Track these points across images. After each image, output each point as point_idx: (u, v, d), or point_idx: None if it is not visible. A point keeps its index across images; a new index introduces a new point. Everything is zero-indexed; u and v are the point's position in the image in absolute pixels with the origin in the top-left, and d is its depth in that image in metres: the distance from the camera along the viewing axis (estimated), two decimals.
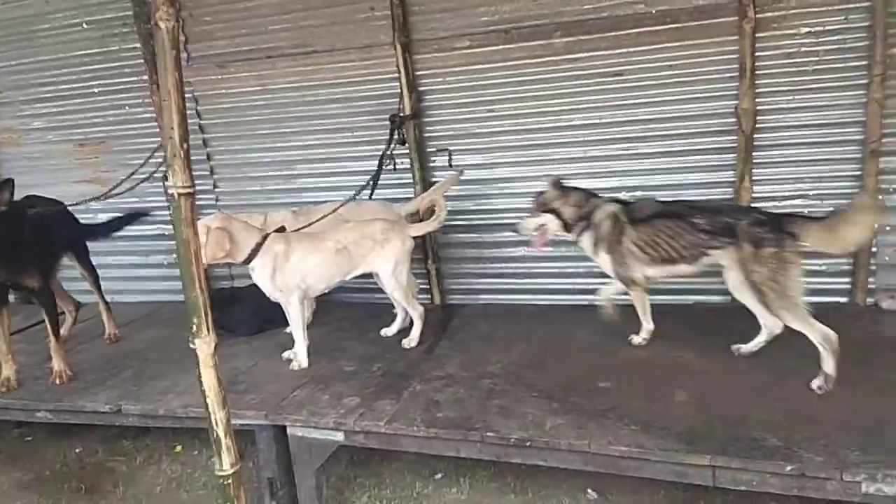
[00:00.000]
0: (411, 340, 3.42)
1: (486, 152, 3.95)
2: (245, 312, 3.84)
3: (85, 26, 4.43)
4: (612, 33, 3.61)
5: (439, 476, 3.09)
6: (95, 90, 4.54)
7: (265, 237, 3.13)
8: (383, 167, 3.77)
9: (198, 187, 4.49)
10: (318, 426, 2.72)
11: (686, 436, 2.31)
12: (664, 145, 3.67)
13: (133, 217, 4.25)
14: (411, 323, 3.50)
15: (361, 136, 4.11)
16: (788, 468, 2.09)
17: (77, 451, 3.90)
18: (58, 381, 3.37)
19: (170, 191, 2.20)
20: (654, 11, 3.54)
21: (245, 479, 3.23)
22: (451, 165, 3.99)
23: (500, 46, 3.78)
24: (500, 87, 3.84)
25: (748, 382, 2.70)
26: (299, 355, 3.28)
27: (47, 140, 4.78)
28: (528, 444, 2.40)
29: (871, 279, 3.48)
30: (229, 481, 2.41)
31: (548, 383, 2.84)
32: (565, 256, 3.96)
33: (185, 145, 2.21)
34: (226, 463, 2.40)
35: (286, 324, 3.75)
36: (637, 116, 3.68)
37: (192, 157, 4.44)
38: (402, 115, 3.89)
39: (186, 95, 4.24)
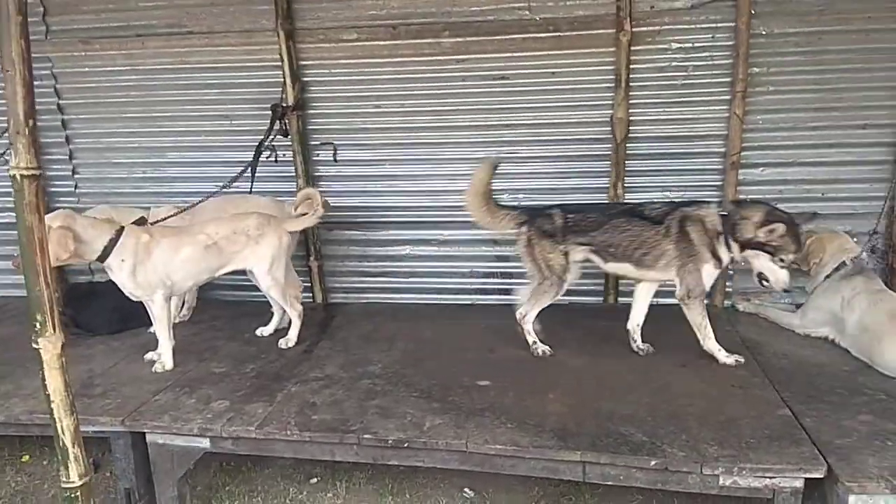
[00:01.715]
0: (289, 340, 3.29)
1: (373, 149, 3.89)
2: (104, 309, 3.53)
3: None
4: (498, 37, 3.66)
5: (314, 480, 2.99)
6: None
7: (120, 231, 2.87)
8: (261, 158, 3.60)
9: (54, 172, 4.19)
10: (180, 432, 2.54)
11: (559, 432, 2.36)
12: (545, 150, 3.76)
13: None
14: (290, 322, 3.37)
15: (240, 125, 3.91)
16: (653, 462, 2.19)
17: None
18: None
19: (11, 172, 1.97)
20: (538, 19, 3.61)
21: (102, 489, 2.99)
22: (335, 160, 3.89)
23: (388, 42, 3.72)
24: (388, 83, 3.78)
25: (617, 380, 2.81)
26: (164, 357, 3.06)
27: None
28: (405, 445, 2.36)
29: (728, 283, 3.74)
30: (77, 494, 2.20)
31: (428, 382, 2.82)
32: (448, 256, 3.98)
33: (30, 122, 2.00)
34: (73, 474, 2.19)
35: (150, 322, 3.52)
36: (520, 121, 3.75)
37: (50, 140, 4.12)
38: (284, 105, 3.73)
39: (44, 72, 3.99)
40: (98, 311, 3.53)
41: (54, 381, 2.12)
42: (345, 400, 2.69)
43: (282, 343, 3.29)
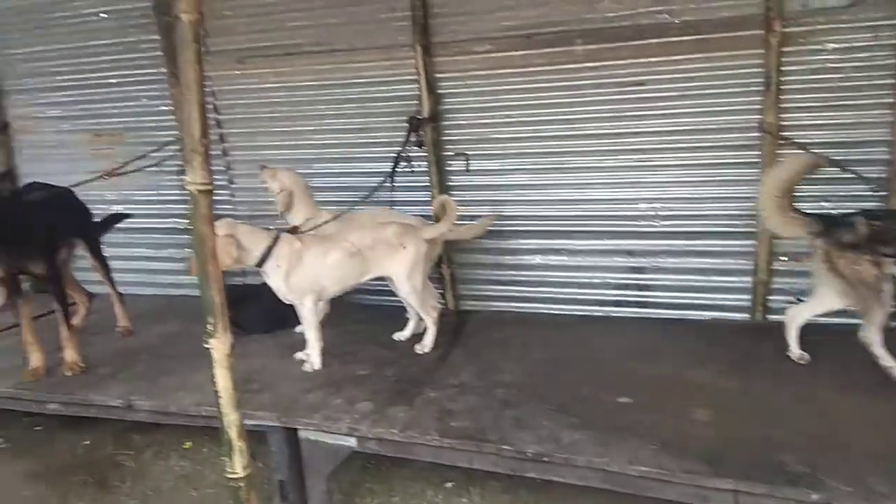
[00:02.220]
0: (424, 346, 3.40)
1: (504, 158, 3.92)
2: (258, 311, 3.81)
3: (103, 15, 4.40)
4: (635, 42, 3.56)
5: (450, 485, 3.06)
6: (113, 81, 4.52)
7: (276, 239, 3.10)
8: (398, 168, 3.75)
9: (215, 183, 4.55)
10: (330, 431, 2.70)
11: (707, 457, 2.28)
12: (682, 158, 3.63)
13: (118, 218, 4.22)
14: (425, 328, 3.48)
15: (378, 137, 4.08)
16: (814, 496, 2.05)
17: (86, 443, 3.89)
18: (69, 373, 3.35)
19: (188, 187, 2.17)
20: (678, 22, 3.49)
21: (256, 480, 3.24)
22: (468, 170, 3.96)
23: (521, 52, 3.74)
24: (519, 92, 3.80)
25: (770, 402, 2.66)
26: (312, 357, 3.26)
27: (62, 129, 4.76)
28: (545, 459, 2.37)
29: None
30: (241, 485, 2.39)
31: (564, 396, 2.81)
32: (580, 266, 3.93)
33: (204, 141, 2.19)
34: (238, 466, 2.38)
35: (299, 323, 3.75)
36: (655, 128, 3.64)
37: (210, 153, 4.47)
38: (420, 117, 3.86)
39: (206, 90, 4.32)
40: (253, 312, 3.81)
41: (223, 379, 2.32)
42: (481, 409, 2.74)
43: (418, 348, 3.40)
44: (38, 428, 4.07)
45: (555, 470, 2.40)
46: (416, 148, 3.88)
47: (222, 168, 4.50)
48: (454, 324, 3.89)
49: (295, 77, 4.14)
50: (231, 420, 2.34)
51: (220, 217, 3.24)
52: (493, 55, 3.77)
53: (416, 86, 3.88)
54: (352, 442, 2.71)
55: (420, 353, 3.38)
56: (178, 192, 4.54)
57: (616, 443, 2.40)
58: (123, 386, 3.19)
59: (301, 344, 3.47)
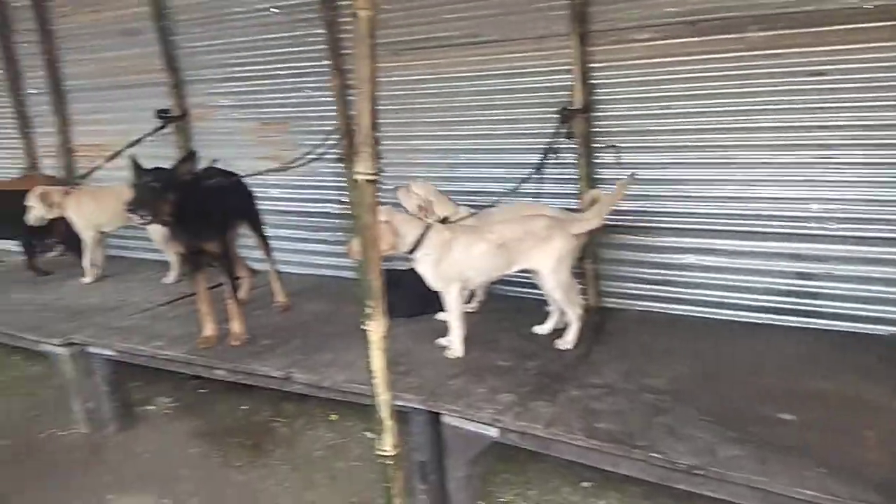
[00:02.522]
0: (566, 342, 3.35)
1: (660, 151, 3.74)
2: (405, 295, 3.92)
3: (273, 10, 4.71)
4: (816, 29, 3.26)
5: (587, 485, 3.01)
6: (280, 72, 4.82)
7: (428, 228, 3.18)
8: (547, 160, 3.70)
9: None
10: (473, 419, 2.73)
11: (883, 486, 2.06)
12: (869, 155, 3.28)
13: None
14: (566, 323, 3.43)
15: (527, 128, 4.05)
16: None
17: (244, 408, 4.24)
18: (235, 343, 3.64)
19: (355, 176, 2.27)
20: (870, 7, 3.14)
21: (402, 458, 3.36)
22: (619, 163, 3.83)
23: (685, 39, 3.54)
24: (682, 82, 3.61)
25: None
26: (455, 344, 3.31)
27: (233, 117, 5.15)
28: (698, 471, 2.25)
29: None
30: (390, 462, 2.49)
31: (719, 406, 2.65)
32: (739, 268, 3.69)
33: (374, 133, 2.28)
34: (388, 444, 2.47)
35: (441, 310, 3.83)
36: (837, 121, 3.31)
37: None
38: (571, 108, 3.78)
39: None
40: (400, 296, 3.89)
41: (377, 361, 2.42)
42: (628, 412, 2.66)
43: (559, 343, 3.35)
44: (203, 391, 4.49)
45: (707, 484, 2.27)
46: (565, 140, 3.80)
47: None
48: (596, 321, 3.79)
49: (447, 69, 4.20)
50: (384, 400, 2.43)
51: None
52: (655, 43, 3.60)
53: (569, 76, 3.80)
54: (493, 432, 2.72)
55: (562, 348, 3.33)
56: (333, 178, 4.78)
57: (777, 462, 2.23)
58: (283, 359, 3.41)
59: (443, 330, 3.54)
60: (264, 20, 4.76)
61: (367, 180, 2.27)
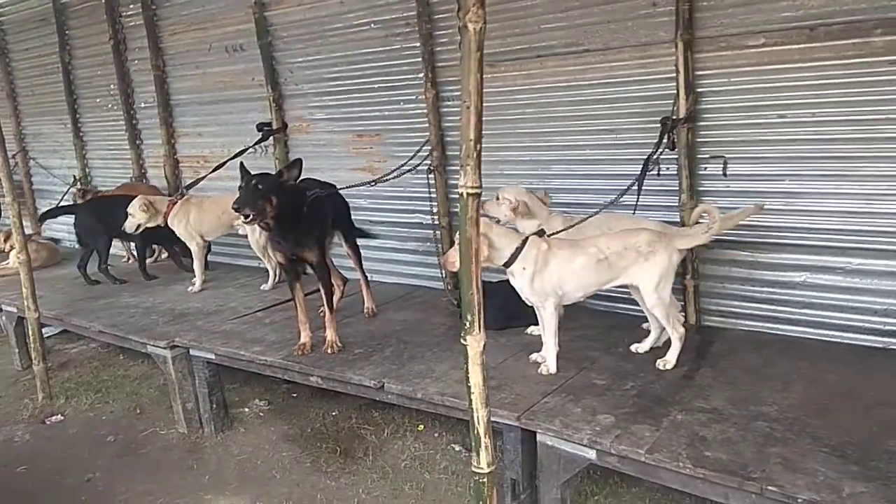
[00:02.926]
0: (667, 362, 3.20)
1: (771, 163, 3.54)
2: (493, 307, 3.86)
3: (372, 26, 4.79)
4: None
5: None
6: (375, 86, 4.90)
7: (525, 241, 3.11)
8: (647, 172, 3.57)
9: (458, 182, 4.76)
10: (570, 440, 2.64)
11: None
12: None
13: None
14: (665, 342, 3.28)
15: (626, 138, 3.93)
16: None
17: (334, 413, 4.30)
18: (329, 351, 3.70)
19: (459, 189, 2.24)
20: None
21: (497, 476, 3.31)
22: (725, 174, 3.65)
23: (802, 45, 3.34)
24: (797, 90, 3.40)
25: None
26: (549, 360, 3.23)
27: (330, 129, 5.28)
28: None
29: None
30: (484, 480, 2.43)
31: (839, 438, 2.45)
32: (857, 288, 3.42)
33: (478, 147, 2.25)
34: (483, 461, 2.41)
35: (531, 322, 3.76)
36: None
37: (456, 153, 4.68)
38: (675, 117, 3.63)
39: (456, 93, 4.53)
40: (488, 308, 3.85)
41: (475, 376, 2.37)
42: (739, 441, 2.49)
43: (659, 364, 3.21)
44: (294, 395, 4.60)
45: None
46: (667, 150, 3.66)
47: None
48: (697, 340, 3.61)
49: (544, 79, 4.13)
50: (481, 416, 2.38)
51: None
52: (768, 49, 3.41)
53: (672, 84, 3.66)
54: (591, 454, 2.62)
55: (661, 368, 3.19)
56: (424, 189, 4.80)
57: None
58: (376, 368, 3.43)
59: (534, 345, 3.48)
60: (362, 35, 4.86)
61: (471, 193, 2.23)
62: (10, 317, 5.28)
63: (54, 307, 4.98)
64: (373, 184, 4.55)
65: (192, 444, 4.13)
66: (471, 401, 2.39)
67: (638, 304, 3.36)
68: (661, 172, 3.75)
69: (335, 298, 4.38)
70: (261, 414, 4.42)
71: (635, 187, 3.50)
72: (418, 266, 5.07)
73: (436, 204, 4.77)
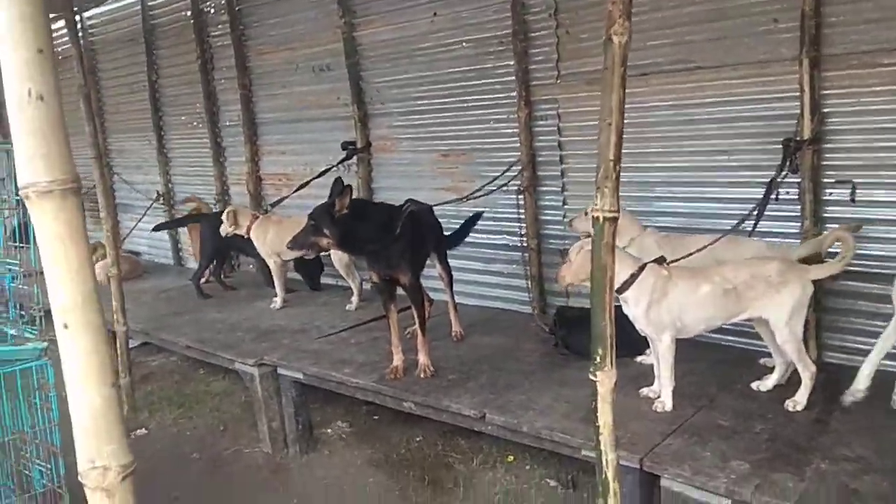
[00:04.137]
0: (797, 403, 2.94)
1: None
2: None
3: (464, 45, 4.72)
4: None
5: None
6: (464, 104, 4.81)
7: (642, 267, 2.93)
8: (771, 195, 3.34)
9: (548, 203, 4.61)
10: (704, 487, 2.42)
11: None
12: None
13: (474, 219, 4.45)
14: (790, 380, 3.03)
15: (741, 160, 3.71)
16: None
17: (418, 439, 4.17)
18: (422, 375, 3.57)
19: (594, 214, 2.09)
20: None
21: None
22: (853, 200, 3.39)
23: None
24: None
25: None
26: (664, 397, 3.01)
27: (414, 149, 5.21)
28: None
29: None
30: None
31: None
32: None
33: (618, 168, 2.10)
34: None
35: (635, 353, 3.56)
36: None
37: (546, 173, 4.54)
38: (798, 139, 3.40)
39: (551, 112, 4.40)
40: (587, 335, 3.67)
41: (604, 415, 2.19)
42: None
43: (788, 404, 2.95)
44: (376, 418, 4.48)
45: None
46: (788, 174, 3.42)
47: (557, 189, 4.51)
48: (820, 379, 3.31)
49: (648, 97, 3.95)
50: (610, 460, 2.20)
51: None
52: None
53: (794, 104, 3.43)
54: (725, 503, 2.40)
55: (791, 409, 2.93)
56: (512, 210, 4.66)
57: None
58: (474, 396, 3.28)
59: (643, 377, 3.26)
60: (452, 54, 4.79)
61: (608, 218, 2.07)
62: None
63: (140, 321, 5.03)
64: (465, 200, 4.48)
65: (277, 464, 4.06)
66: (598, 442, 2.21)
67: (753, 338, 3.13)
68: (779, 197, 3.50)
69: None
70: (343, 436, 4.32)
71: (755, 213, 3.28)
72: (504, 289, 4.92)
73: (525, 225, 4.63)
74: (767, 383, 3.15)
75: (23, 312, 2.63)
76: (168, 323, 4.99)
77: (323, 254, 5.11)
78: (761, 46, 3.53)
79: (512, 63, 4.44)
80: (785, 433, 2.74)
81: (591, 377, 2.20)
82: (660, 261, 2.97)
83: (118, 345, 4.77)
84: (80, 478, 1.21)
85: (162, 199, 7.20)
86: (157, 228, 6.42)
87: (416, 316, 3.68)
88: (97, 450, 1.17)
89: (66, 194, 1.15)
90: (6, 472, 2.75)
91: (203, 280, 5.76)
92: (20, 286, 2.63)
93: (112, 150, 8.02)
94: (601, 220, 2.10)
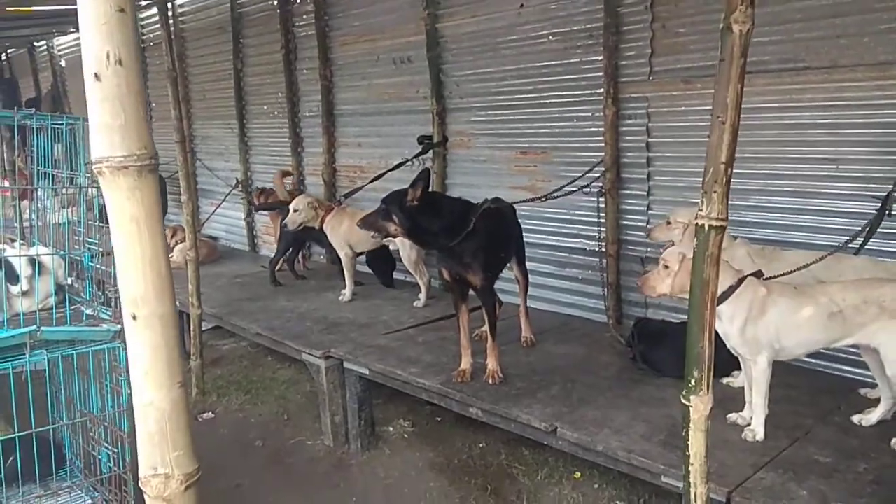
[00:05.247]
0: None
1: None
2: (675, 350, 3.43)
3: (551, 38, 4.53)
4: None
5: None
6: (547, 101, 4.63)
7: (741, 280, 2.69)
8: (887, 209, 3.03)
9: (631, 207, 4.38)
10: None
11: None
12: None
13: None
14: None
15: (850, 170, 3.40)
16: None
17: (481, 445, 4.04)
18: (490, 381, 3.43)
19: (699, 221, 1.90)
20: None
21: None
22: None
23: None
24: None
25: None
26: (755, 425, 2.77)
27: (492, 145, 5.06)
28: None
29: None
30: None
31: None
32: None
33: (729, 171, 1.90)
34: None
35: (721, 374, 3.30)
36: None
37: (632, 176, 4.30)
38: None
39: (640, 111, 4.16)
40: (669, 351, 3.47)
41: (697, 444, 2.00)
42: None
43: (895, 443, 2.66)
44: (439, 419, 4.37)
45: None
46: None
47: (643, 193, 4.27)
48: None
49: (750, 98, 3.60)
50: (699, 493, 2.00)
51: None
52: None
53: None
54: None
55: None
56: (591, 212, 4.46)
57: None
58: (545, 408, 3.13)
59: (730, 401, 3.01)
60: (538, 48, 4.61)
61: (714, 227, 1.88)
62: None
63: (214, 305, 5.10)
64: (542, 200, 4.31)
65: (337, 459, 4.01)
66: (687, 473, 2.03)
67: (855, 365, 2.84)
68: (892, 212, 3.17)
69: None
70: (405, 436, 4.24)
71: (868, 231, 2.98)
72: (577, 295, 4.71)
73: (604, 230, 4.41)
74: (871, 418, 2.85)
75: (100, 293, 2.65)
76: (240, 308, 5.03)
77: (393, 248, 5.11)
78: (881, 46, 3.20)
79: (601, 58, 4.22)
80: (893, 476, 2.46)
81: (684, 401, 2.01)
82: (757, 275, 2.72)
83: (192, 328, 4.85)
84: (140, 484, 1.13)
85: (241, 186, 7.32)
86: (258, 209, 6.59)
87: (486, 319, 3.54)
88: (161, 457, 1.09)
89: (143, 171, 1.06)
90: (76, 451, 2.79)
91: (277, 268, 5.80)
92: (98, 266, 2.65)
93: (196, 136, 8.23)
94: (707, 228, 1.90)
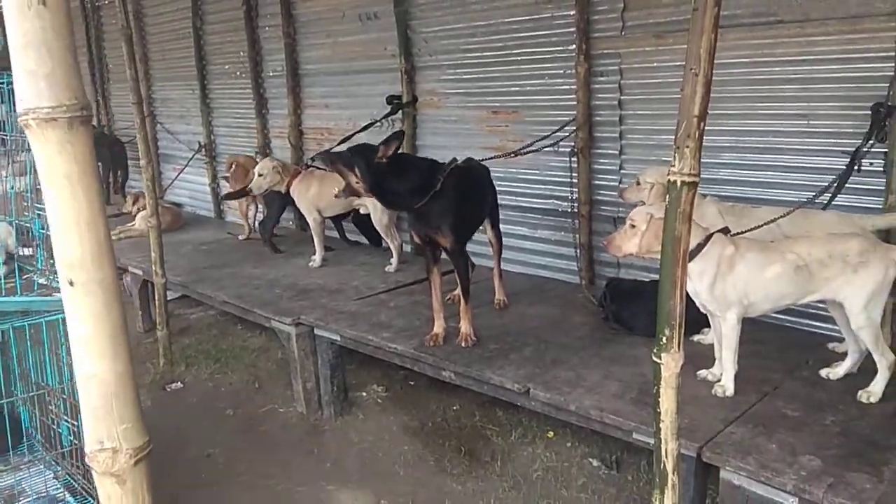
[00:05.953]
0: (872, 394, 2.68)
1: None
2: (647, 309, 3.45)
3: None
4: None
5: None
6: (517, 58, 4.52)
7: (709, 237, 2.67)
8: (855, 165, 3.03)
9: (602, 166, 4.34)
10: (769, 483, 2.22)
11: None
12: None
13: None
14: (863, 369, 2.77)
15: (820, 126, 3.38)
16: None
17: (455, 408, 4.04)
18: (463, 344, 3.40)
19: (671, 177, 1.86)
20: None
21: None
22: None
23: None
24: None
25: None
26: (725, 381, 2.79)
27: (463, 105, 4.95)
28: None
29: None
30: None
31: None
32: None
33: (702, 125, 1.86)
34: (669, 502, 2.05)
35: (691, 331, 3.32)
36: None
37: (603, 135, 4.25)
38: (890, 104, 3.06)
39: (612, 68, 4.08)
40: (640, 310, 3.47)
41: (667, 402, 1.98)
42: None
43: (862, 396, 2.69)
44: (412, 383, 4.36)
45: None
46: (875, 142, 3.10)
47: (615, 152, 4.23)
48: None
49: (721, 53, 3.53)
50: (670, 449, 2.00)
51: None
52: None
53: (887, 65, 3.09)
54: (792, 502, 2.19)
55: (865, 402, 2.67)
56: (563, 173, 4.41)
57: None
58: (517, 369, 3.11)
59: (700, 357, 3.03)
60: (508, 2, 4.48)
61: (686, 182, 1.83)
62: (136, 279, 5.33)
63: (179, 273, 4.97)
64: (510, 156, 4.24)
65: (311, 426, 3.98)
66: (658, 430, 2.02)
67: (822, 320, 2.86)
68: (861, 168, 3.18)
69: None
70: (379, 401, 4.22)
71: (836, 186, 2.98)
72: (550, 256, 4.69)
73: (577, 190, 4.37)
74: (838, 371, 2.89)
75: (52, 261, 2.53)
76: (207, 276, 4.92)
77: (364, 212, 5.00)
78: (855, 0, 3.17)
79: (572, 13, 4.12)
80: (859, 428, 2.50)
81: (655, 359, 1.99)
82: (724, 232, 2.71)
83: (157, 297, 4.73)
84: (87, 460, 1.06)
85: (204, 150, 7.10)
86: (225, 199, 6.35)
87: (459, 282, 3.50)
88: (107, 431, 1.02)
89: (74, 123, 0.96)
90: (35, 424, 2.71)
91: (245, 237, 5.66)
92: (49, 232, 2.52)
93: (156, 98, 7.96)
94: (679, 184, 1.86)
